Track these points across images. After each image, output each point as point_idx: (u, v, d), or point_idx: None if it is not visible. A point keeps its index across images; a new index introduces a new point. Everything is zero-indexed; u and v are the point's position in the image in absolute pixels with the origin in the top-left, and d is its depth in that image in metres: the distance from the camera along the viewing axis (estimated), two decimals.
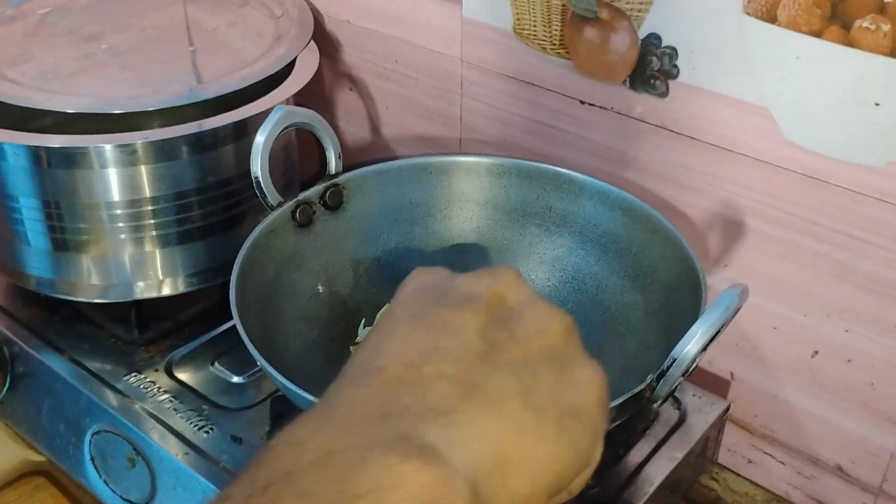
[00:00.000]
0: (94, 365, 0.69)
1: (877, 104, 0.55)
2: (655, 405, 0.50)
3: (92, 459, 0.67)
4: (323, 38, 0.86)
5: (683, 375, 0.49)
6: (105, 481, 0.66)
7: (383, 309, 0.64)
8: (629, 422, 0.61)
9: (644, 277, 0.64)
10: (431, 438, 0.25)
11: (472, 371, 0.27)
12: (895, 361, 0.61)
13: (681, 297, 0.59)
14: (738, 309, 0.48)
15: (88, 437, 0.66)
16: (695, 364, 0.49)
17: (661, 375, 0.48)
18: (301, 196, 0.66)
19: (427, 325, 0.29)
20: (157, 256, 0.71)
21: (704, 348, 0.48)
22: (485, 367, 0.27)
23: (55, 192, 0.67)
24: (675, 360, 0.48)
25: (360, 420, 0.25)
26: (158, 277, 0.72)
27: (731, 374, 0.70)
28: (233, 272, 0.59)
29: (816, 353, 0.65)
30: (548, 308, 0.31)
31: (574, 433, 0.28)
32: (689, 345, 0.47)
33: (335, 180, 0.68)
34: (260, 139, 0.63)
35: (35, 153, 0.66)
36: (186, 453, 0.61)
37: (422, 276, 0.33)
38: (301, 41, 0.78)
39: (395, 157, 0.87)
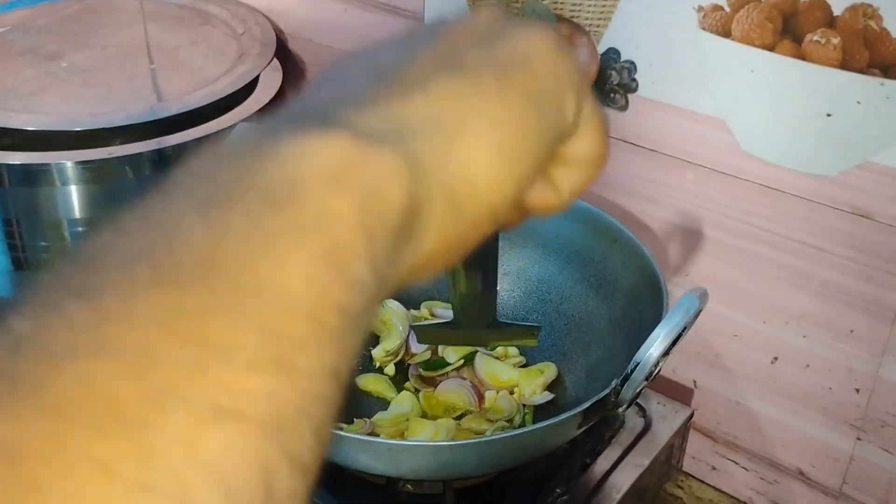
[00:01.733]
0: None
1: (828, 115, 0.57)
2: (621, 409, 0.51)
3: None
4: (286, 56, 0.86)
5: (647, 379, 0.50)
6: None
7: None
8: (596, 429, 0.62)
9: (607, 286, 0.65)
10: (346, 120, 0.21)
11: (390, 69, 0.24)
12: (851, 366, 0.63)
13: (643, 304, 0.61)
14: (699, 312, 0.50)
15: None
16: (658, 368, 0.50)
17: (626, 379, 0.49)
18: None
19: (398, 46, 0.26)
20: None
21: (667, 352, 0.49)
22: (405, 65, 0.24)
23: (15, 210, 0.67)
24: (638, 364, 0.49)
25: (275, 119, 0.22)
26: None
27: (695, 382, 0.72)
28: None
29: (776, 359, 0.66)
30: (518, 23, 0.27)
31: (523, 82, 0.24)
32: (652, 348, 0.48)
33: None
34: None
35: None
36: None
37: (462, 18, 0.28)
38: (263, 59, 0.79)
39: None
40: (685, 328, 0.49)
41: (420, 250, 0.22)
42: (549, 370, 0.66)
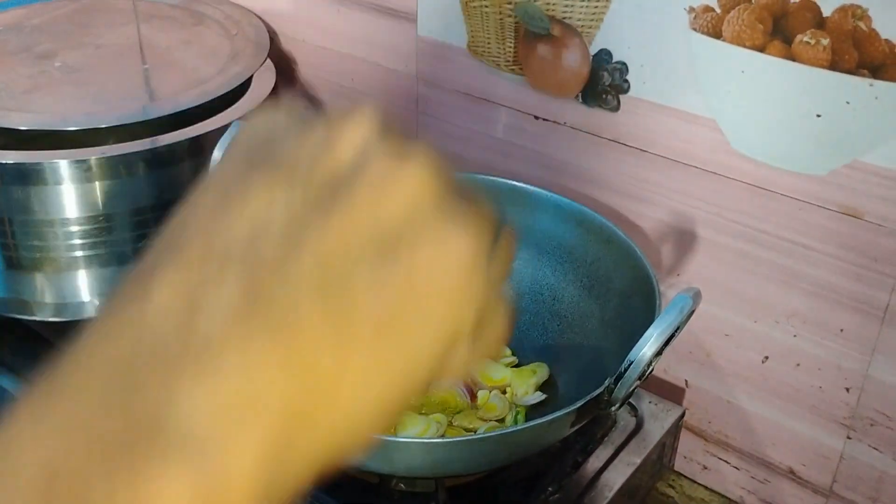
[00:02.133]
0: None
1: (818, 115, 0.57)
2: (614, 408, 0.51)
3: None
4: (278, 56, 0.86)
5: (640, 378, 0.50)
6: None
7: None
8: (588, 428, 0.62)
9: (599, 287, 0.66)
10: (190, 415, 0.19)
11: (261, 276, 0.21)
12: (841, 365, 0.63)
13: (635, 304, 0.61)
14: (692, 312, 0.50)
15: None
16: (651, 367, 0.50)
17: (619, 378, 0.49)
18: None
19: (229, 203, 0.22)
20: (113, 274, 0.70)
21: (660, 352, 0.50)
22: (280, 270, 0.21)
23: (8, 208, 0.67)
24: (631, 363, 0.49)
25: (93, 403, 0.19)
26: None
27: (686, 381, 0.72)
28: None
29: (767, 358, 0.66)
30: (395, 156, 0.22)
31: (408, 331, 0.21)
32: (645, 347, 0.49)
33: None
34: (217, 154, 0.63)
35: None
36: None
37: (252, 132, 0.25)
38: (257, 59, 0.79)
39: None
40: (679, 328, 0.49)
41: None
42: (541, 370, 0.66)
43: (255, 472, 0.19)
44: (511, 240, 0.26)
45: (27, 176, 0.65)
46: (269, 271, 0.21)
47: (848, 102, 0.55)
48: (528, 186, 0.70)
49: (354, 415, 0.21)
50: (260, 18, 0.86)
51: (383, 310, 0.21)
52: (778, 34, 0.57)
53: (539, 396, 0.65)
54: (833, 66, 0.55)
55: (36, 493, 0.18)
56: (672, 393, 0.72)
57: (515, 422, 0.62)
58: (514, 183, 0.70)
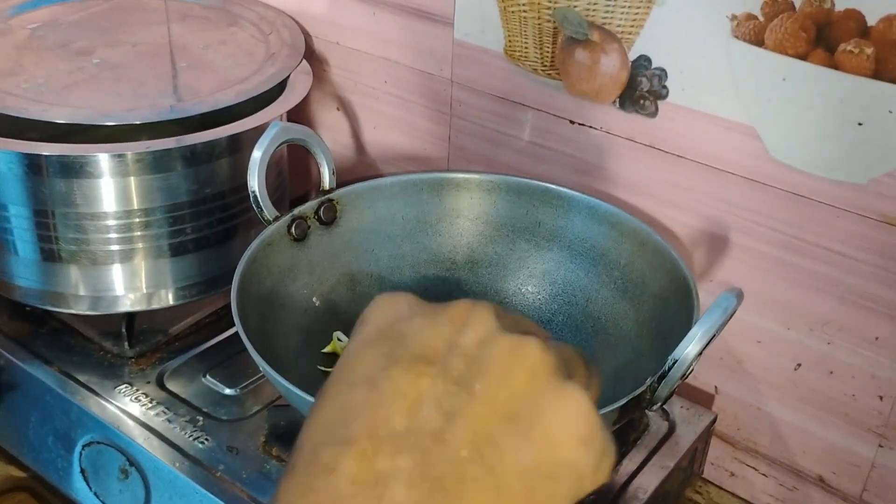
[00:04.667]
0: (84, 377, 0.69)
1: (860, 124, 0.58)
2: (656, 407, 0.51)
3: (82, 471, 0.66)
4: (311, 58, 0.87)
5: (682, 378, 0.50)
6: (95, 493, 0.65)
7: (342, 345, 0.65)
8: (621, 431, 0.62)
9: (633, 289, 0.66)
10: None
11: (428, 461, 0.25)
12: (875, 373, 0.63)
13: (671, 306, 0.61)
14: (735, 311, 0.50)
15: (79, 448, 0.65)
16: (692, 367, 0.51)
17: (663, 377, 0.50)
18: (296, 210, 0.67)
19: (380, 395, 0.26)
20: (147, 269, 0.71)
21: (700, 352, 0.50)
22: (442, 453, 0.25)
23: (47, 201, 0.67)
24: (676, 362, 0.49)
25: None
26: (148, 290, 0.72)
27: (716, 388, 0.72)
28: (233, 284, 0.59)
29: (799, 365, 0.67)
30: (509, 347, 0.28)
31: (547, 495, 0.26)
32: (690, 346, 0.49)
33: (329, 195, 0.69)
34: (257, 154, 0.64)
35: (30, 161, 0.66)
36: (182, 463, 0.61)
37: (381, 313, 0.30)
38: (293, 60, 0.80)
39: (381, 176, 0.88)
40: (721, 327, 0.50)
41: None
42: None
43: None
44: (598, 379, 0.32)
45: (69, 169, 0.66)
46: (433, 447, 0.25)
47: (890, 111, 0.56)
48: (561, 188, 0.70)
49: None
50: (293, 20, 0.87)
51: (529, 475, 0.26)
52: (821, 43, 0.57)
53: None
54: (876, 74, 0.56)
55: None
56: (701, 400, 0.73)
57: None
58: (547, 185, 0.71)
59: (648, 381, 0.51)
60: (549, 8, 0.69)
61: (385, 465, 0.25)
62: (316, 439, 0.27)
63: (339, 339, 0.68)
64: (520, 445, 0.26)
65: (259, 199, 0.64)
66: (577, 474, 0.27)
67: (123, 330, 0.73)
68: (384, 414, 0.26)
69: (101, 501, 0.65)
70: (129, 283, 0.71)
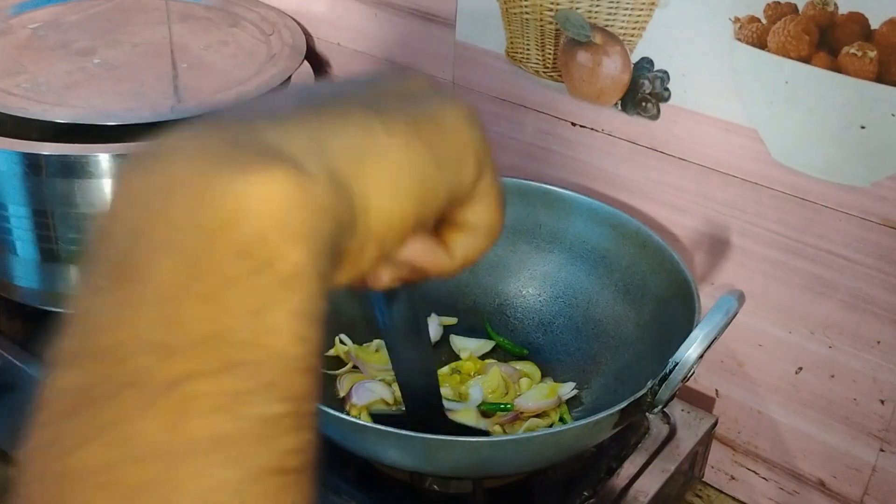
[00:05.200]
0: None
1: (862, 127, 0.57)
2: (656, 410, 0.51)
3: None
4: (313, 59, 0.87)
5: (683, 380, 0.50)
6: None
7: None
8: (622, 434, 0.62)
9: (635, 291, 0.66)
10: (273, 142, 0.23)
11: (315, 99, 0.27)
12: (876, 377, 0.63)
13: (672, 309, 0.61)
14: (736, 314, 0.50)
15: None
16: (693, 370, 0.51)
17: (664, 379, 0.50)
18: None
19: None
20: None
21: (701, 355, 0.50)
22: (332, 98, 0.27)
23: (47, 201, 0.67)
24: (677, 364, 0.49)
25: (194, 143, 0.23)
26: None
27: (716, 391, 0.72)
28: None
29: (800, 369, 0.67)
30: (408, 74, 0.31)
31: (430, 137, 0.27)
32: (691, 349, 0.49)
33: None
34: None
35: (30, 161, 0.66)
36: None
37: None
38: (295, 61, 0.80)
39: None
40: (722, 330, 0.49)
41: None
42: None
43: (326, 179, 0.23)
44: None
45: (69, 168, 0.66)
46: (324, 97, 0.27)
47: (893, 115, 0.56)
48: (562, 190, 0.70)
49: (396, 175, 0.26)
50: (295, 20, 0.87)
51: (413, 115, 0.27)
52: (824, 46, 0.57)
53: (570, 386, 0.65)
54: (879, 78, 0.56)
55: (158, 199, 0.22)
56: (702, 403, 0.72)
57: (563, 422, 0.62)
58: (548, 187, 0.71)
59: (649, 384, 0.51)
60: (551, 10, 0.69)
61: (278, 103, 0.27)
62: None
63: (341, 342, 0.68)
64: (406, 105, 0.27)
65: None
66: (462, 139, 0.28)
67: None
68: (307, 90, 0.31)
69: None
70: None
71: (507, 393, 0.65)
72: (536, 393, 0.64)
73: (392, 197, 0.26)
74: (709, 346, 0.50)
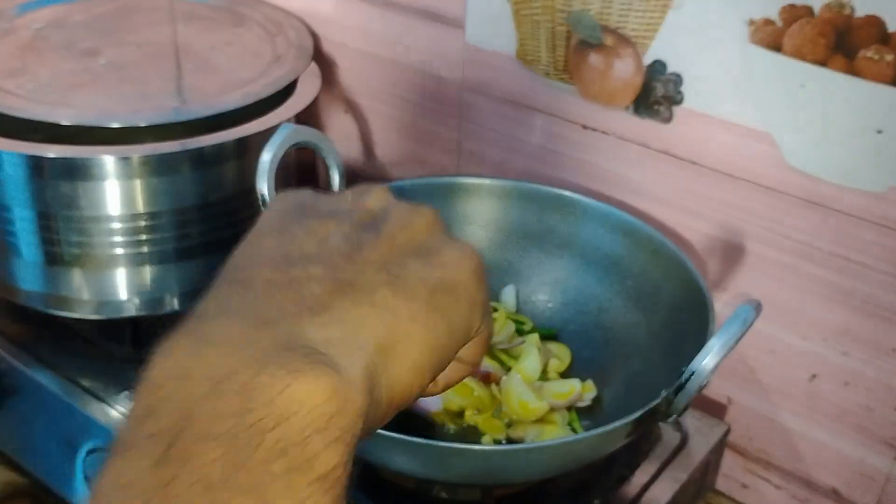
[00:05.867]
0: (88, 382, 0.68)
1: (879, 131, 0.57)
2: (670, 420, 0.50)
3: (86, 478, 0.65)
4: (320, 59, 0.86)
5: (698, 390, 0.49)
6: None
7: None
8: (633, 442, 0.61)
9: (646, 298, 0.65)
10: (314, 340, 0.25)
11: (339, 270, 0.28)
12: (891, 384, 0.62)
13: (685, 317, 0.60)
14: (752, 324, 0.49)
15: (83, 455, 0.64)
16: (707, 380, 0.50)
17: (679, 389, 0.49)
18: None
19: (292, 236, 0.29)
20: (152, 273, 0.70)
21: (719, 363, 0.49)
22: (352, 266, 0.28)
23: (51, 203, 0.66)
24: (693, 374, 0.48)
25: (240, 333, 0.25)
26: (154, 294, 0.71)
27: (728, 398, 0.71)
28: None
29: (814, 376, 0.66)
30: (410, 206, 0.32)
31: (447, 307, 0.29)
32: (707, 358, 0.48)
33: None
34: (267, 156, 0.63)
35: (34, 163, 0.65)
36: None
37: (285, 198, 0.33)
38: (302, 62, 0.79)
39: (389, 181, 0.87)
40: (739, 339, 0.49)
41: None
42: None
43: (362, 381, 0.25)
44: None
45: (74, 171, 0.65)
46: (343, 264, 0.28)
47: None
48: (574, 195, 0.69)
49: (417, 357, 0.28)
50: (301, 21, 0.86)
51: (431, 285, 0.29)
52: (840, 49, 0.56)
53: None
54: None
55: (208, 387, 0.23)
56: (714, 410, 0.72)
57: (573, 430, 0.61)
58: (560, 191, 0.70)
59: (664, 393, 0.50)
60: (562, 11, 0.68)
61: (298, 272, 0.28)
62: (228, 271, 0.29)
63: None
64: (422, 267, 0.29)
65: (268, 201, 0.63)
66: (471, 298, 0.30)
67: (128, 335, 0.72)
68: (296, 245, 0.29)
69: None
70: (134, 287, 0.70)
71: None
72: (562, 386, 0.64)
73: (414, 376, 0.28)
74: (725, 356, 0.49)
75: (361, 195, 0.32)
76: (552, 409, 0.62)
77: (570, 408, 0.63)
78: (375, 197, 0.32)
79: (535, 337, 0.66)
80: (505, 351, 0.66)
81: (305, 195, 0.33)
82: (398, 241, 0.30)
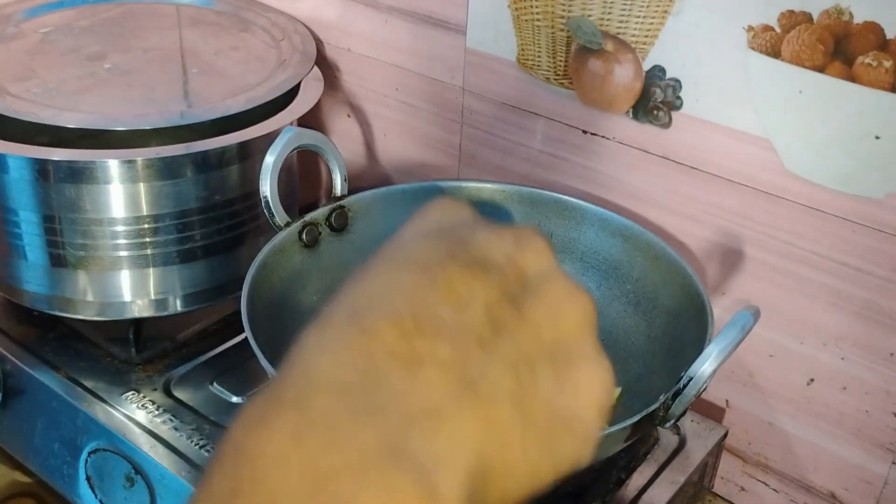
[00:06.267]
0: (91, 383, 0.68)
1: (877, 137, 0.57)
2: (669, 424, 0.51)
3: (87, 479, 0.65)
4: (323, 64, 0.86)
5: (696, 395, 0.50)
6: (101, 501, 0.65)
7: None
8: (631, 445, 0.62)
9: (646, 303, 0.65)
10: (421, 452, 0.23)
11: (468, 360, 0.25)
12: (889, 389, 0.63)
13: (684, 322, 0.61)
14: (751, 329, 0.50)
15: (84, 455, 0.65)
16: (705, 385, 0.50)
17: (677, 394, 0.49)
18: (308, 217, 0.67)
19: (432, 283, 0.26)
20: (156, 275, 0.71)
21: (717, 369, 0.49)
22: (482, 357, 0.25)
23: (56, 206, 0.67)
24: (691, 379, 0.49)
25: (345, 421, 0.23)
26: (157, 296, 0.71)
27: (727, 401, 0.71)
28: (243, 289, 0.59)
29: (812, 380, 0.66)
30: (568, 288, 0.28)
31: (561, 446, 0.26)
32: (706, 364, 0.48)
33: (341, 202, 0.69)
34: (270, 159, 0.63)
35: (40, 167, 0.66)
36: (189, 471, 0.60)
37: (442, 213, 0.30)
38: (304, 67, 0.79)
39: (391, 184, 0.87)
40: (737, 345, 0.49)
41: None
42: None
43: (458, 497, 0.23)
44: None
45: (78, 174, 0.66)
46: (475, 352, 0.25)
47: None
48: (574, 199, 0.70)
49: (513, 490, 0.25)
50: (305, 26, 0.86)
51: (553, 412, 0.26)
52: (839, 55, 0.57)
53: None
54: (895, 88, 0.55)
55: (306, 485, 0.22)
56: (712, 413, 0.72)
57: None
58: (559, 196, 0.70)
59: (662, 398, 0.50)
60: (562, 16, 0.68)
61: (424, 347, 0.24)
62: (356, 305, 0.26)
63: None
64: (553, 385, 0.26)
65: (271, 204, 0.64)
66: (586, 437, 0.27)
67: (131, 336, 0.72)
68: (433, 299, 0.25)
69: None
70: (138, 289, 0.71)
71: None
72: None
73: (498, 503, 0.26)
74: (723, 362, 0.49)
75: (521, 244, 0.28)
76: None
77: None
78: (535, 255, 0.28)
79: None
80: None
81: (465, 213, 0.30)
82: (541, 336, 0.26)
